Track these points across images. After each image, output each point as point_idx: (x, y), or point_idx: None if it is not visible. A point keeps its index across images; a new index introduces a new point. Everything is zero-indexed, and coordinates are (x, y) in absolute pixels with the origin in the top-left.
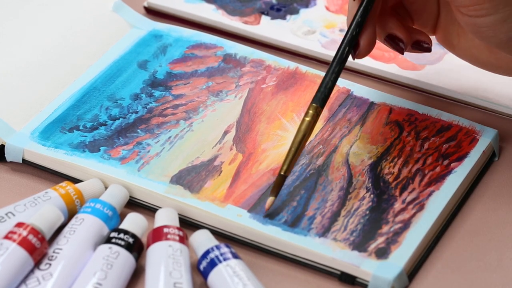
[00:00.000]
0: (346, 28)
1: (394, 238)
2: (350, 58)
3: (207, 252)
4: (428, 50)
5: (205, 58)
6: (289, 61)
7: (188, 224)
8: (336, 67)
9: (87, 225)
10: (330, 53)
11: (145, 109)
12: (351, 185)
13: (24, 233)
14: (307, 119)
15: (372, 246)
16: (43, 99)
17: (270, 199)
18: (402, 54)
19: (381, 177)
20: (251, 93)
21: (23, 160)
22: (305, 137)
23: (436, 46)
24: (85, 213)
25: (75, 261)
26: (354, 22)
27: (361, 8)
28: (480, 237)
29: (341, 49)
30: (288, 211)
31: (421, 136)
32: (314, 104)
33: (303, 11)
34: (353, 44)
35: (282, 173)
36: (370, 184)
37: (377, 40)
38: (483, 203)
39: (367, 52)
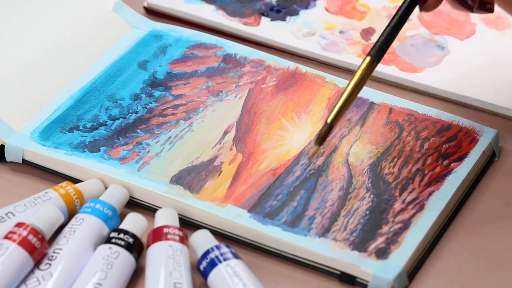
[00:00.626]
0: (346, 30)
1: (394, 238)
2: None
3: (207, 252)
4: (491, 11)
5: (205, 58)
6: (289, 61)
7: (188, 224)
8: (399, 19)
9: (87, 225)
10: (330, 55)
11: (145, 109)
12: (351, 185)
13: (24, 233)
14: (359, 71)
15: (372, 246)
16: (43, 99)
17: (315, 147)
18: (471, 11)
19: (381, 177)
20: (251, 93)
21: (23, 160)
22: (356, 88)
23: (435, 49)
24: (85, 213)
25: (75, 261)
26: None
27: None
28: (480, 237)
29: (406, 3)
30: (288, 211)
31: (421, 136)
32: (368, 57)
33: (303, 13)
34: None
35: (328, 121)
36: (370, 184)
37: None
38: (483, 203)
39: (435, 5)
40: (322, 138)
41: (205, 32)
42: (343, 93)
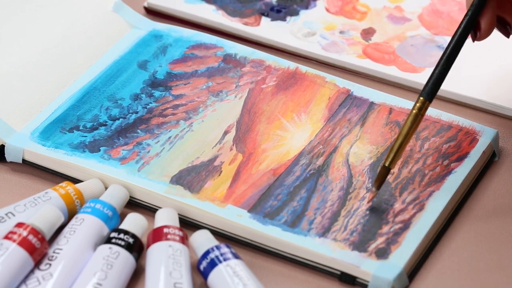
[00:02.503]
0: (346, 30)
1: (394, 238)
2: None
3: (207, 252)
4: None
5: (205, 58)
6: (289, 61)
7: (188, 224)
8: (450, 54)
9: (87, 225)
10: (330, 55)
11: (145, 109)
12: (351, 185)
13: (24, 233)
14: (414, 111)
15: (372, 246)
16: (43, 99)
17: (373, 191)
18: (507, 37)
19: None
20: (251, 93)
21: (23, 160)
22: (412, 130)
23: (435, 49)
24: (85, 213)
25: (75, 261)
26: (475, 3)
27: None
28: (480, 237)
29: (460, 32)
30: (288, 211)
31: (421, 136)
32: (421, 98)
33: (303, 13)
34: (473, 25)
35: (387, 164)
36: (370, 184)
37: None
38: (483, 203)
39: (488, 34)
40: (380, 181)
41: (205, 32)
42: (398, 135)
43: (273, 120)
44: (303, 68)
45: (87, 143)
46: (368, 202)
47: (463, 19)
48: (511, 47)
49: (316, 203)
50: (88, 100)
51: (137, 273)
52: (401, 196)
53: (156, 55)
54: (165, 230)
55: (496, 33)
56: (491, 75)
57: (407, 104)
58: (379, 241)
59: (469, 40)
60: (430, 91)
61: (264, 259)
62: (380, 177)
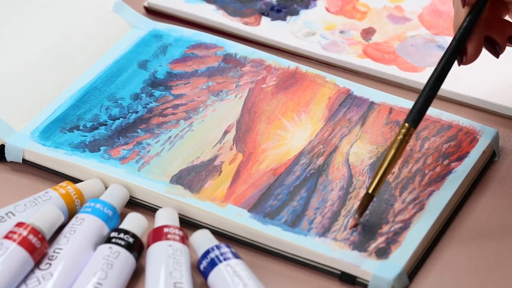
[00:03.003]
0: (346, 29)
1: (394, 238)
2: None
3: (207, 252)
4: None
5: (205, 58)
6: (289, 61)
7: (188, 224)
8: (435, 80)
9: (87, 225)
10: (330, 55)
11: (145, 109)
12: (351, 185)
13: (24, 233)
14: (399, 137)
15: (372, 246)
16: (43, 99)
17: (355, 218)
18: (497, 58)
19: None
20: (251, 93)
21: (23, 160)
22: (396, 156)
23: (435, 49)
24: (85, 213)
25: (75, 261)
26: (463, 28)
27: (471, 15)
28: (480, 237)
29: (446, 57)
30: (288, 211)
31: (421, 136)
32: (406, 124)
33: (303, 12)
34: (459, 51)
35: (370, 191)
36: None
37: (378, 43)
38: (483, 203)
39: (474, 58)
40: (363, 208)
41: (205, 32)
42: (382, 162)
43: (273, 120)
44: (303, 67)
45: (87, 143)
46: (349, 229)
47: (450, 44)
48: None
49: (316, 203)
50: (88, 100)
51: (137, 273)
52: (401, 196)
53: (156, 54)
54: (165, 229)
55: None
56: (491, 75)
57: (407, 104)
58: (379, 241)
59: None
60: (415, 118)
61: (264, 258)
62: (363, 205)
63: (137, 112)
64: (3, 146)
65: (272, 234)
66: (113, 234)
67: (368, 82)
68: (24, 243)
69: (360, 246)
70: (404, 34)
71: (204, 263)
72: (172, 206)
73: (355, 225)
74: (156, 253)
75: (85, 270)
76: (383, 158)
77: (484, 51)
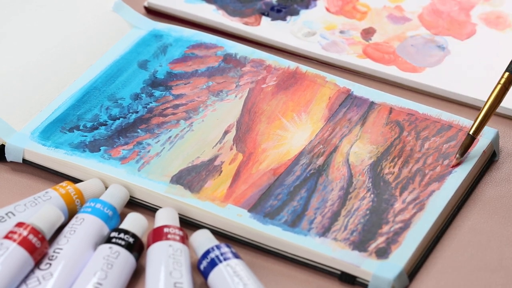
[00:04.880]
0: (346, 30)
1: (394, 238)
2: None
3: (207, 252)
4: None
5: (206, 58)
6: (289, 61)
7: (188, 224)
8: None
9: (87, 225)
10: (330, 55)
11: (145, 109)
12: (351, 185)
13: (25, 233)
14: (500, 85)
15: (373, 246)
16: (43, 99)
17: (457, 158)
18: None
19: (382, 177)
20: (251, 93)
21: (23, 160)
22: (497, 101)
23: (435, 49)
24: (85, 213)
25: (76, 261)
26: None
27: None
28: (480, 237)
29: None
30: (288, 211)
31: (421, 136)
32: (507, 72)
33: (303, 12)
34: None
35: (471, 133)
36: (370, 184)
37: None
38: (483, 203)
39: None
40: (464, 149)
41: (205, 32)
42: (484, 106)
43: (273, 120)
44: (303, 67)
45: (87, 143)
46: (451, 167)
47: None
48: (511, 47)
49: (316, 203)
50: (88, 100)
51: (137, 273)
52: (401, 196)
53: (156, 54)
54: (165, 229)
55: (496, 34)
56: (491, 75)
57: (408, 104)
58: (379, 241)
59: (467, 42)
60: None
61: (264, 258)
62: (464, 145)
63: (137, 112)
64: (3, 146)
65: (272, 234)
66: (113, 234)
67: (368, 82)
68: (24, 243)
69: (360, 246)
70: (404, 34)
71: (204, 263)
72: (172, 206)
73: (457, 165)
74: (156, 253)
75: (85, 270)
76: (485, 103)
77: (484, 51)
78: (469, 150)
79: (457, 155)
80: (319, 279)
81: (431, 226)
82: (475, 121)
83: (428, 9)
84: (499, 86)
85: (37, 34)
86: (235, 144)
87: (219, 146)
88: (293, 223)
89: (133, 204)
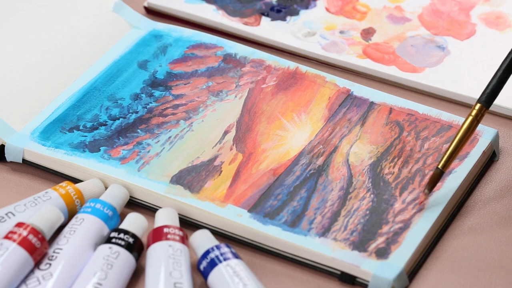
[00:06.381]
0: (346, 30)
1: (394, 238)
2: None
3: (207, 252)
4: None
5: (205, 58)
6: (289, 61)
7: (188, 224)
8: (506, 64)
9: (87, 225)
10: (330, 55)
11: (145, 109)
12: (351, 185)
13: (24, 233)
14: (471, 117)
15: (372, 246)
16: (43, 99)
17: (426, 193)
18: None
19: (381, 177)
20: (251, 93)
21: (23, 160)
22: (467, 134)
23: (435, 49)
24: (85, 213)
25: (75, 261)
26: None
27: None
28: (480, 237)
29: None
30: (288, 211)
31: (421, 136)
32: (479, 104)
33: (303, 13)
34: None
35: (440, 167)
36: (370, 184)
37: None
38: (483, 203)
39: None
40: (433, 183)
41: (205, 32)
42: (453, 139)
43: (273, 120)
44: (303, 68)
45: (87, 143)
46: (420, 204)
47: None
48: (511, 47)
49: (316, 203)
50: (88, 100)
51: (137, 273)
52: (401, 196)
53: (156, 55)
54: (165, 230)
55: (495, 34)
56: (491, 75)
57: (407, 104)
58: (379, 241)
59: (467, 42)
60: (488, 98)
61: (264, 259)
62: (433, 180)
63: (137, 112)
64: (3, 146)
65: (272, 234)
66: (113, 234)
67: (368, 82)
68: (24, 243)
69: (360, 246)
70: (404, 34)
71: (204, 263)
72: (172, 206)
73: (425, 200)
74: (156, 253)
75: (85, 270)
76: (454, 136)
77: (484, 51)
78: (436, 187)
79: (426, 190)
80: (319, 279)
81: (431, 226)
82: (444, 155)
83: (428, 9)
84: (470, 118)
85: (37, 34)
86: (235, 144)
87: (219, 146)
88: (293, 223)
89: (133, 204)
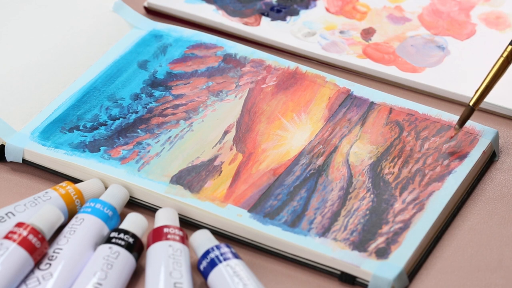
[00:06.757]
0: (346, 30)
1: (394, 238)
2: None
3: (207, 252)
4: None
5: (205, 58)
6: (289, 61)
7: (188, 224)
8: None
9: (87, 225)
10: (330, 55)
11: (145, 109)
12: (351, 185)
13: (24, 233)
14: (502, 58)
15: (372, 246)
16: (43, 99)
17: (456, 128)
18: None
19: (381, 177)
20: (251, 93)
21: (23, 160)
22: (499, 73)
23: (435, 49)
24: (85, 213)
25: (75, 261)
26: None
27: None
28: (480, 237)
29: None
30: (288, 211)
31: (421, 136)
32: (511, 46)
33: (303, 13)
34: None
35: (471, 104)
36: (370, 184)
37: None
38: (483, 203)
39: None
40: (463, 120)
41: (205, 32)
42: (486, 77)
43: (273, 120)
44: (303, 68)
45: (87, 143)
46: (449, 138)
47: None
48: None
49: (316, 203)
50: (88, 100)
51: (137, 273)
52: (401, 196)
53: (156, 55)
54: (165, 230)
55: (495, 34)
56: None
57: (407, 104)
58: (379, 241)
59: (467, 42)
60: None
61: (264, 259)
62: (464, 116)
63: (137, 112)
64: (3, 146)
65: (272, 234)
66: (113, 234)
67: (368, 82)
68: (24, 243)
69: (360, 246)
70: (404, 34)
71: (204, 263)
72: (172, 206)
73: (455, 135)
74: (156, 253)
75: (85, 270)
76: (487, 74)
77: (484, 51)
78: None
79: (456, 126)
80: (319, 279)
81: (431, 226)
82: (475, 93)
83: (428, 9)
84: (502, 59)
85: (37, 34)
86: (235, 144)
87: (219, 146)
88: (293, 223)
89: (133, 204)
